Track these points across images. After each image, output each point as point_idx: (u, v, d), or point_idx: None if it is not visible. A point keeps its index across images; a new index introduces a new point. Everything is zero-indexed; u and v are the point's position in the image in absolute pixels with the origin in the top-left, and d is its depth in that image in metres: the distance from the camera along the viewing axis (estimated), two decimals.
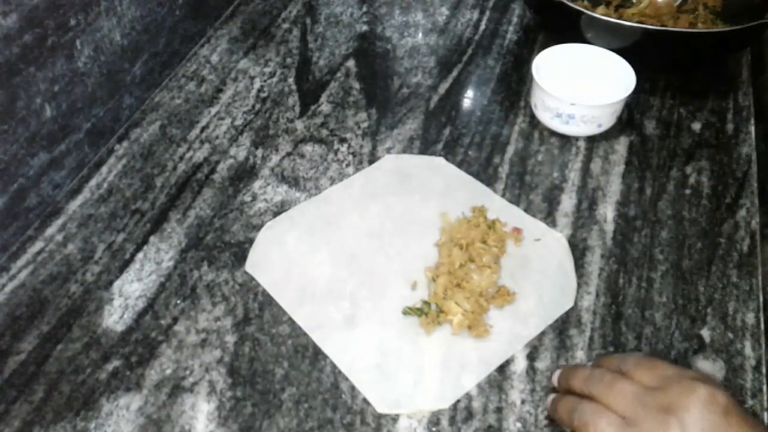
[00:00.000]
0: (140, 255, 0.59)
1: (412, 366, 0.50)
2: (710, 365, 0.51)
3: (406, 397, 0.49)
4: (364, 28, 0.84)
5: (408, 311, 0.53)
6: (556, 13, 0.74)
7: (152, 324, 0.54)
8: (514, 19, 0.85)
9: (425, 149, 0.68)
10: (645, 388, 0.41)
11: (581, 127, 0.66)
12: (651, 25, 0.75)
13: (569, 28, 0.73)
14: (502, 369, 0.51)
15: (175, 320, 0.54)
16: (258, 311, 0.55)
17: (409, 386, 0.49)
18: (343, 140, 0.69)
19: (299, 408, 0.49)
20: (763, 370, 0.50)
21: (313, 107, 0.73)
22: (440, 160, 0.66)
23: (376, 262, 0.57)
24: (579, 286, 0.56)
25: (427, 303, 0.53)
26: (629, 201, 0.62)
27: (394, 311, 0.53)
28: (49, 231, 0.61)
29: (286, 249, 0.58)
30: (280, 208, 0.62)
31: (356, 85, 0.76)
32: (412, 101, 0.74)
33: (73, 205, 0.63)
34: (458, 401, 0.49)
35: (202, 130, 0.71)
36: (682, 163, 0.66)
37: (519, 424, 0.48)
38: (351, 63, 0.79)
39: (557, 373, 0.48)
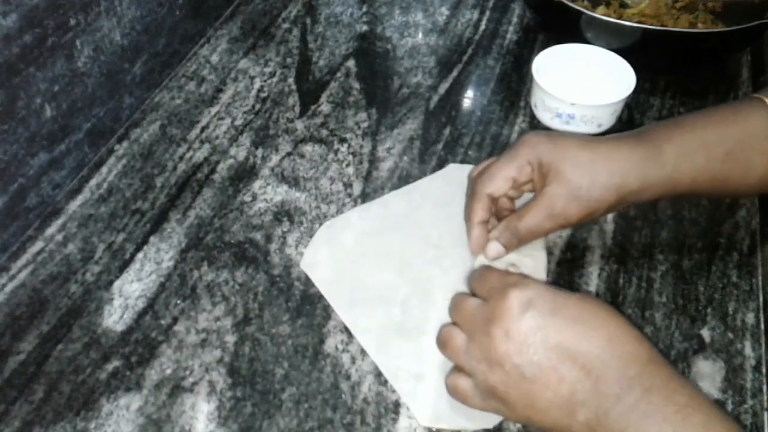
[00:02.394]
0: (140, 255, 0.59)
1: None
2: (710, 365, 0.51)
3: (449, 411, 0.48)
4: (364, 28, 0.84)
5: None
6: (556, 13, 0.74)
7: (152, 324, 0.54)
8: (514, 19, 0.85)
9: (425, 149, 0.68)
10: (479, 304, 0.44)
11: (581, 127, 0.66)
12: (651, 25, 0.75)
13: (569, 28, 0.73)
14: None
15: (175, 320, 0.54)
16: (258, 311, 0.55)
17: (453, 401, 0.47)
18: (343, 140, 0.69)
19: (299, 408, 0.49)
20: (763, 370, 0.50)
21: (313, 107, 0.73)
22: None
23: (431, 271, 0.56)
24: (579, 286, 0.56)
25: None
26: None
27: (444, 323, 0.52)
28: (49, 231, 0.61)
29: (342, 250, 0.58)
30: (280, 208, 0.62)
31: (356, 85, 0.76)
32: (412, 101, 0.74)
33: (73, 205, 0.63)
34: None
35: (202, 130, 0.71)
36: None
37: (519, 424, 0.48)
38: (351, 63, 0.79)
39: None
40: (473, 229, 0.54)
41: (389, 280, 0.56)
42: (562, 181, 0.50)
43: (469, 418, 0.47)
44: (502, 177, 0.52)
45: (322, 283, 0.56)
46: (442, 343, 0.46)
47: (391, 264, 0.57)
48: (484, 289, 0.45)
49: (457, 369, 0.45)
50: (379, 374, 0.50)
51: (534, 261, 0.55)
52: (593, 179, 0.49)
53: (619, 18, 0.74)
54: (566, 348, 0.40)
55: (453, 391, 0.45)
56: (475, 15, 0.86)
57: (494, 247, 0.53)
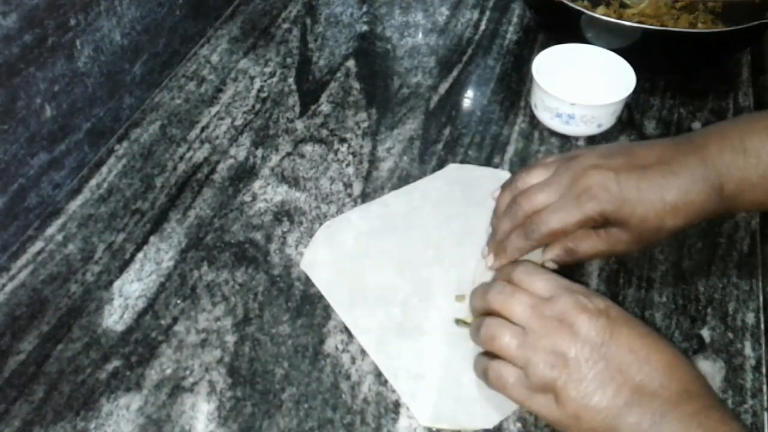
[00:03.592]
0: (140, 255, 0.59)
1: (457, 380, 0.49)
2: (710, 365, 0.51)
3: (449, 411, 0.48)
4: (364, 28, 0.84)
5: (462, 323, 0.52)
6: (556, 13, 0.74)
7: (152, 324, 0.54)
8: (514, 19, 0.85)
9: (425, 149, 0.68)
10: (540, 299, 0.45)
11: (581, 127, 0.66)
12: (651, 25, 0.75)
13: (569, 28, 0.73)
14: None
15: (175, 320, 0.54)
16: (258, 311, 0.55)
17: (453, 401, 0.48)
18: (343, 140, 0.69)
19: (299, 408, 0.49)
20: (763, 370, 0.50)
21: (313, 107, 0.73)
22: (504, 173, 0.64)
23: (431, 271, 0.56)
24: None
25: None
26: None
27: (444, 323, 0.53)
28: (49, 231, 0.61)
29: (342, 250, 0.58)
30: (280, 208, 0.62)
31: (356, 85, 0.76)
32: (412, 101, 0.74)
33: (73, 205, 0.63)
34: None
35: (202, 130, 0.71)
36: None
37: (519, 424, 0.48)
38: (351, 63, 0.79)
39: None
40: (503, 261, 0.53)
41: (389, 280, 0.56)
42: (629, 230, 0.50)
43: (470, 417, 0.47)
44: (562, 232, 0.51)
45: (322, 283, 0.56)
46: (490, 337, 0.45)
47: (391, 264, 0.57)
48: (546, 287, 0.45)
49: (499, 359, 0.45)
50: (379, 374, 0.50)
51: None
52: (660, 227, 0.49)
53: (619, 18, 0.74)
54: (634, 357, 0.42)
55: (494, 378, 0.45)
56: (475, 15, 0.86)
57: (549, 267, 0.53)
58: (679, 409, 0.40)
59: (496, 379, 0.45)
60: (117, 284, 0.57)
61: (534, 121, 0.70)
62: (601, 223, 0.50)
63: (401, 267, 0.57)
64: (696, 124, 0.70)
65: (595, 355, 0.42)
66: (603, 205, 0.49)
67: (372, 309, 0.54)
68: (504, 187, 0.57)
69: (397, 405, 0.49)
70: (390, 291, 0.55)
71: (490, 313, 0.47)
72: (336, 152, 0.68)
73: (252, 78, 0.77)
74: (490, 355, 0.46)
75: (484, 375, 0.46)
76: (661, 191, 0.49)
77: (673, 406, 0.40)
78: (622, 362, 0.41)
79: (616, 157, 0.51)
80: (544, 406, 0.43)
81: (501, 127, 0.70)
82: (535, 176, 0.54)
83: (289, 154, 0.68)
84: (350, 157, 0.67)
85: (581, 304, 0.43)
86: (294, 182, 0.65)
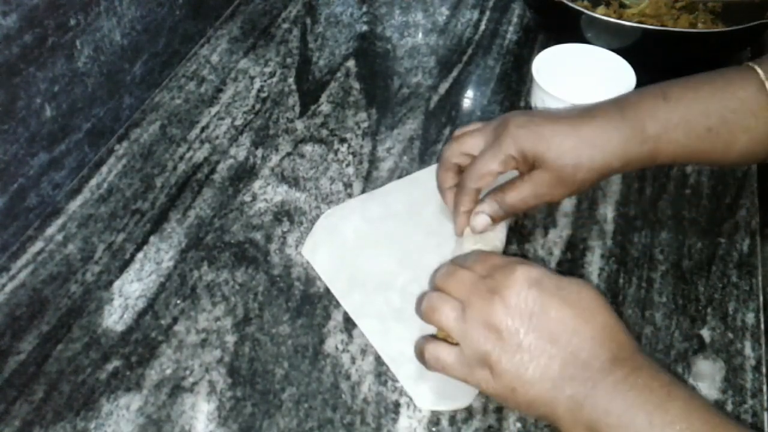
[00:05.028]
0: (140, 255, 0.59)
1: None
2: (710, 365, 0.51)
3: (449, 392, 0.48)
4: (364, 28, 0.84)
5: None
6: (556, 13, 0.74)
7: (152, 324, 0.54)
8: (514, 19, 0.85)
9: (425, 149, 0.68)
10: (479, 276, 0.46)
11: None
12: (651, 25, 0.75)
13: (569, 28, 0.73)
14: None
15: (175, 320, 0.54)
16: (258, 311, 0.55)
17: (452, 383, 0.48)
18: (343, 140, 0.69)
19: (299, 408, 0.49)
20: (763, 370, 0.50)
21: (313, 107, 0.73)
22: None
23: (430, 259, 0.56)
24: None
25: None
26: (629, 201, 0.62)
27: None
28: (49, 231, 0.61)
29: (343, 237, 0.59)
30: (280, 208, 0.62)
31: (356, 85, 0.76)
32: (412, 101, 0.74)
33: (73, 205, 0.63)
34: None
35: (202, 130, 0.71)
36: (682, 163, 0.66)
37: (519, 424, 0.48)
38: (351, 63, 0.79)
39: None
40: (461, 217, 0.55)
41: (389, 266, 0.56)
42: (548, 168, 0.52)
43: (467, 394, 0.48)
44: (488, 173, 0.53)
45: (323, 269, 0.56)
46: (430, 308, 0.46)
47: (391, 251, 0.57)
48: (484, 266, 0.46)
49: (434, 340, 0.46)
50: (379, 374, 0.50)
51: (494, 233, 0.56)
52: (578, 164, 0.51)
53: (619, 18, 0.74)
54: (563, 328, 0.42)
55: (432, 360, 0.46)
56: (475, 15, 0.86)
57: (482, 219, 0.54)
58: (611, 376, 0.40)
59: (434, 360, 0.46)
60: (117, 284, 0.57)
61: None
62: (523, 165, 0.53)
63: (401, 254, 0.57)
64: None
65: (526, 327, 0.42)
66: (519, 142, 0.52)
67: (372, 295, 0.54)
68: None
69: (397, 405, 0.49)
70: (390, 277, 0.56)
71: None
72: (336, 152, 0.68)
73: (252, 78, 0.77)
74: (426, 339, 0.47)
75: (421, 357, 0.47)
76: (577, 127, 0.51)
77: (605, 374, 0.41)
78: (553, 333, 0.42)
79: (539, 111, 0.56)
80: (483, 380, 0.43)
81: None
82: (469, 128, 0.57)
83: (289, 154, 0.68)
84: (350, 157, 0.67)
85: (513, 276, 0.44)
86: (294, 182, 0.65)
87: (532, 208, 0.55)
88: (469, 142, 0.55)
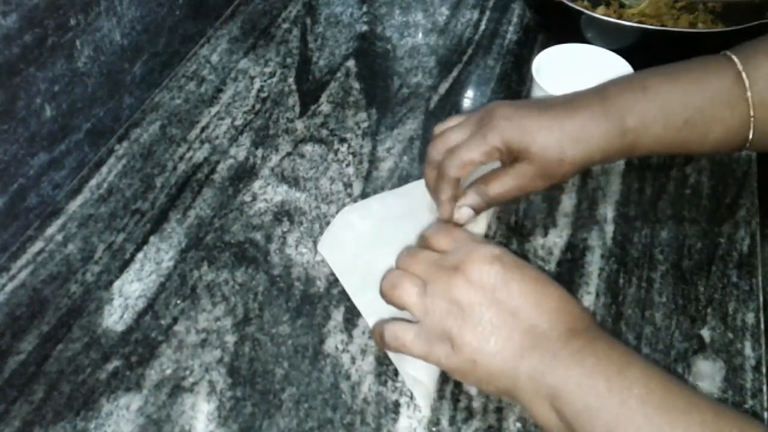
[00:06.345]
0: (140, 255, 0.59)
1: None
2: (710, 365, 0.51)
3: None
4: (364, 28, 0.84)
5: None
6: (556, 13, 0.74)
7: (152, 324, 0.54)
8: (514, 19, 0.85)
9: (425, 149, 0.68)
10: (440, 254, 0.47)
11: None
12: (651, 25, 0.75)
13: (569, 28, 0.73)
14: None
15: (175, 320, 0.54)
16: (258, 311, 0.55)
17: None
18: (343, 140, 0.69)
19: (299, 408, 0.49)
20: (763, 370, 0.50)
21: (313, 107, 0.73)
22: None
23: None
24: (579, 286, 0.56)
25: None
26: (629, 201, 0.62)
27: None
28: (49, 231, 0.61)
29: (359, 234, 0.59)
30: (280, 208, 0.62)
31: (356, 85, 0.76)
32: (412, 101, 0.74)
33: (73, 205, 0.63)
34: (458, 401, 0.49)
35: (202, 130, 0.71)
36: (682, 163, 0.66)
37: (519, 424, 0.48)
38: (351, 63, 0.79)
39: None
40: (444, 205, 0.55)
41: None
42: (532, 161, 0.52)
43: None
44: (470, 163, 0.53)
45: (338, 265, 0.57)
46: (392, 285, 0.47)
47: None
48: (446, 241, 0.48)
49: (392, 320, 0.47)
50: (379, 374, 0.50)
51: (475, 222, 0.56)
52: (562, 159, 0.52)
53: (619, 18, 0.74)
54: (524, 301, 0.43)
55: (392, 339, 0.46)
56: (475, 15, 0.86)
57: (465, 212, 0.54)
58: (569, 346, 0.42)
59: (393, 339, 0.46)
60: (117, 284, 0.57)
61: None
62: (507, 156, 0.53)
63: None
64: None
65: (488, 300, 0.43)
66: (504, 134, 0.52)
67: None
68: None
69: (397, 405, 0.49)
70: None
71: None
72: (336, 152, 0.68)
73: (252, 78, 0.77)
74: (383, 321, 0.48)
75: (381, 339, 0.48)
76: (561, 122, 0.52)
77: (563, 344, 0.42)
78: (514, 306, 0.43)
79: (523, 101, 0.56)
80: (443, 355, 0.44)
81: None
82: (451, 123, 0.58)
83: (289, 154, 0.68)
84: (350, 157, 0.67)
85: (475, 252, 0.45)
86: (294, 182, 0.65)
87: (514, 198, 0.56)
88: (453, 136, 0.55)
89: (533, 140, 0.52)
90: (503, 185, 0.54)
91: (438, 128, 0.58)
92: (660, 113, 0.52)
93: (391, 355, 0.51)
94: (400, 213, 0.60)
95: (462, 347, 0.43)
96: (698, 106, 0.52)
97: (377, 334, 0.49)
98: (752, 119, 0.52)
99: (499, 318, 0.43)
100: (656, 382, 0.39)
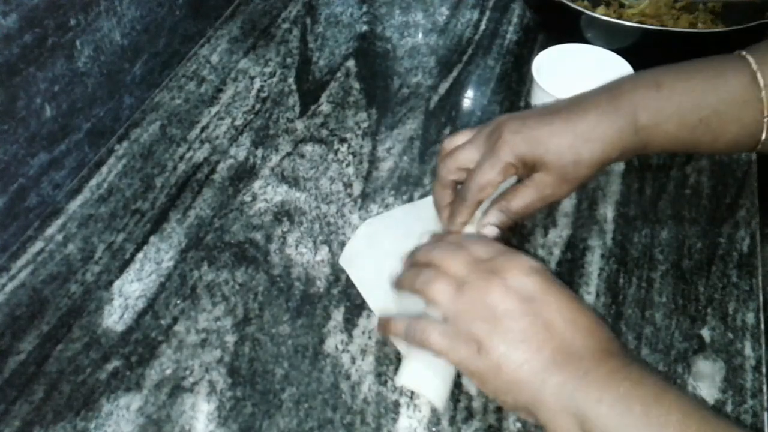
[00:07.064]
0: (140, 255, 0.59)
1: None
2: (710, 365, 0.51)
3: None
4: (364, 28, 0.84)
5: None
6: (556, 13, 0.74)
7: (152, 324, 0.54)
8: (514, 19, 0.85)
9: (425, 149, 0.68)
10: (479, 258, 0.46)
11: None
12: (651, 25, 0.75)
13: (569, 28, 0.73)
14: None
15: (175, 320, 0.54)
16: (258, 311, 0.55)
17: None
18: (343, 140, 0.69)
19: (299, 408, 0.49)
20: (763, 370, 0.50)
21: (313, 107, 0.73)
22: None
23: None
24: (579, 286, 0.56)
25: None
26: (629, 201, 0.62)
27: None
28: (49, 231, 0.61)
29: (381, 249, 0.58)
30: (280, 208, 0.62)
31: (356, 85, 0.76)
32: (412, 101, 0.74)
33: (73, 205, 0.63)
34: (458, 401, 0.49)
35: (202, 130, 0.71)
36: (682, 163, 0.66)
37: (519, 424, 0.48)
38: (351, 63, 0.79)
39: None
40: (456, 228, 0.55)
41: None
42: (549, 169, 0.51)
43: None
44: (489, 185, 0.52)
45: (359, 280, 0.56)
46: (428, 280, 0.46)
47: None
48: (486, 249, 0.47)
49: (422, 318, 0.46)
50: (379, 374, 0.50)
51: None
52: (579, 161, 0.51)
53: (619, 18, 0.74)
54: (560, 316, 0.43)
55: (418, 330, 0.45)
56: (475, 15, 0.86)
57: (490, 230, 0.53)
58: (602, 366, 0.41)
59: (419, 332, 0.45)
60: (117, 284, 0.57)
61: None
62: (523, 170, 0.52)
63: None
64: None
65: (524, 309, 0.43)
66: (516, 149, 0.51)
67: (406, 309, 0.51)
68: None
69: (397, 405, 0.49)
70: None
71: (423, 265, 0.49)
72: (336, 152, 0.68)
73: (252, 78, 0.77)
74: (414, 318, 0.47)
75: (406, 331, 0.47)
76: (572, 125, 0.51)
77: (596, 364, 0.41)
78: (549, 319, 0.42)
79: (529, 111, 0.55)
80: (465, 356, 0.43)
81: None
82: (459, 139, 0.56)
83: (289, 154, 0.68)
84: (350, 157, 0.67)
85: (517, 261, 0.45)
86: (294, 182, 0.65)
87: (538, 210, 0.54)
88: (463, 155, 0.54)
89: (546, 149, 0.51)
90: (524, 199, 0.52)
91: (446, 146, 0.57)
92: (675, 111, 0.51)
93: (403, 351, 0.50)
94: (423, 226, 0.58)
95: (489, 350, 0.42)
96: (713, 105, 0.51)
97: (402, 325, 0.47)
98: (766, 120, 0.51)
99: (533, 328, 0.42)
100: (693, 410, 0.39)
